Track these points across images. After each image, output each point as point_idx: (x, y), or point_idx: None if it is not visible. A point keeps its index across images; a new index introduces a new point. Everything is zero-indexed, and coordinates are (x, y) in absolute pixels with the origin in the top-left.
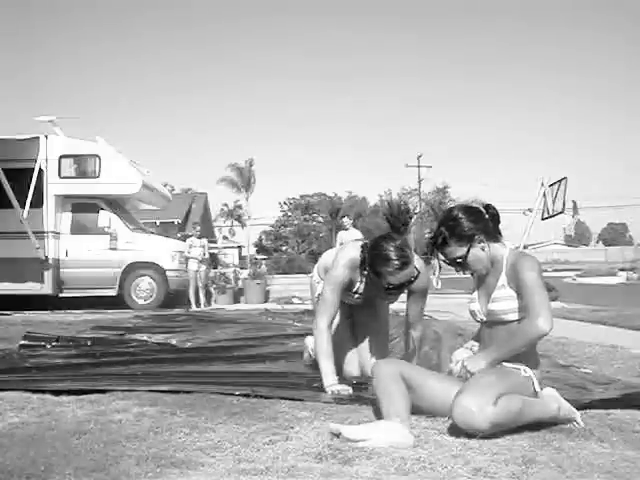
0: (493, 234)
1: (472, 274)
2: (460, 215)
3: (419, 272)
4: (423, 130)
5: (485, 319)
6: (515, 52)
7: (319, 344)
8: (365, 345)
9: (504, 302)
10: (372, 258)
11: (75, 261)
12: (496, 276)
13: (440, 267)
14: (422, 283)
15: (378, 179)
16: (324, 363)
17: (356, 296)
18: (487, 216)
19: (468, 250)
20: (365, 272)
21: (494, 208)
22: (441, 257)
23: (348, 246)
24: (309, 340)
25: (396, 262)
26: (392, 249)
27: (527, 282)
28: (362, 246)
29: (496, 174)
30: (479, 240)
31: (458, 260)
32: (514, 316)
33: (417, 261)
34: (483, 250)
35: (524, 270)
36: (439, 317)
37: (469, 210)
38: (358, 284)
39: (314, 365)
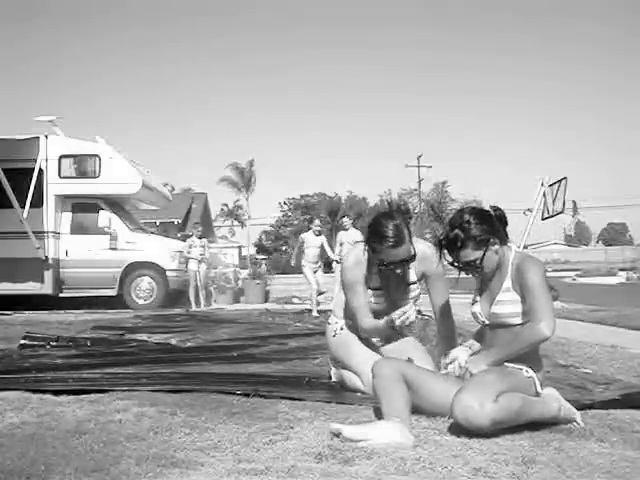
0: (503, 237)
1: (477, 275)
2: (474, 218)
3: (415, 253)
4: (423, 130)
5: (487, 322)
6: (515, 51)
7: (370, 330)
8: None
9: (508, 306)
10: (369, 233)
11: (75, 261)
12: (501, 279)
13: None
14: (434, 268)
15: (378, 179)
16: (378, 326)
17: (374, 293)
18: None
19: (484, 253)
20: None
21: (502, 210)
22: (449, 259)
23: (348, 252)
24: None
25: (391, 240)
26: (390, 227)
27: (531, 286)
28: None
29: (496, 174)
30: (493, 243)
31: (472, 263)
32: (517, 320)
33: (429, 248)
34: (496, 253)
35: (528, 273)
36: None
37: (482, 213)
38: (369, 277)
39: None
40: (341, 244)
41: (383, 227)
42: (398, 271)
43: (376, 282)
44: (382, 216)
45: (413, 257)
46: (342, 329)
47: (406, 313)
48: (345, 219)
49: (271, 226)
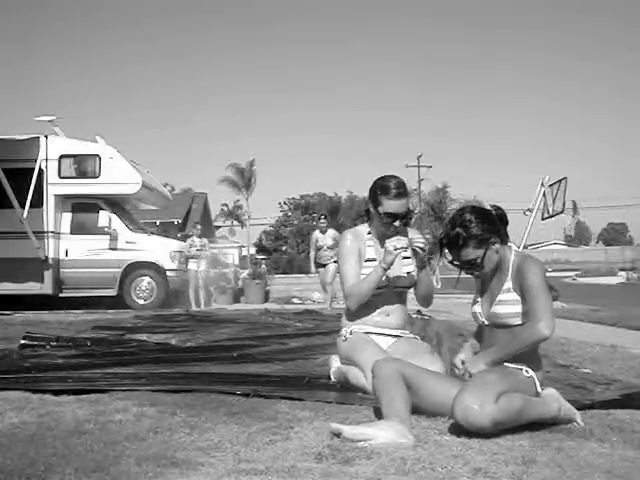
0: (503, 236)
1: (477, 276)
2: (476, 217)
3: (413, 211)
4: (423, 130)
5: (487, 322)
6: (516, 51)
7: (358, 289)
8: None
9: (508, 306)
10: (375, 188)
11: (75, 261)
12: (501, 279)
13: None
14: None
15: None
16: (370, 277)
17: (372, 264)
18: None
19: (485, 252)
20: (369, 235)
21: (502, 210)
22: (449, 257)
23: (347, 230)
24: (334, 360)
25: (394, 190)
26: (394, 181)
27: (530, 285)
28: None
29: (496, 174)
30: (494, 242)
31: (472, 262)
32: (517, 320)
33: (412, 231)
34: (497, 253)
35: (528, 273)
36: (439, 317)
37: (483, 212)
38: (367, 249)
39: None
40: (319, 248)
41: (388, 181)
42: (397, 223)
43: (371, 254)
44: (387, 175)
45: (411, 213)
46: (352, 333)
47: (398, 237)
48: (322, 220)
49: (271, 226)
